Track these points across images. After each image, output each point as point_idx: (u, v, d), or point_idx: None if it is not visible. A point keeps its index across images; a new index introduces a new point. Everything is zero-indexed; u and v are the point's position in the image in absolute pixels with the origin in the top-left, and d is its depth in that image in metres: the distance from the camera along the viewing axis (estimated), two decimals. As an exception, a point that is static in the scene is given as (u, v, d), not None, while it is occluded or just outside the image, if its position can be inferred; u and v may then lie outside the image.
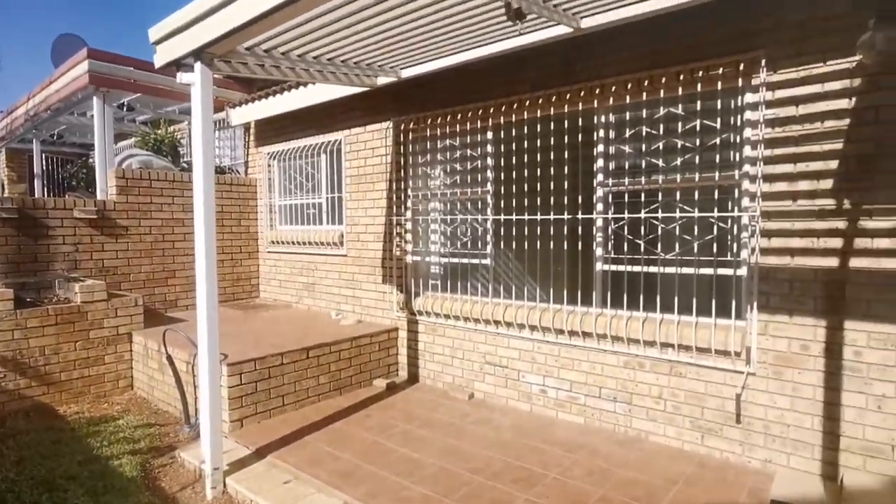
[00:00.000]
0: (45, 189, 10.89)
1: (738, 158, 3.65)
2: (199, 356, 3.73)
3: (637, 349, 4.01)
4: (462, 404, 4.83)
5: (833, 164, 3.25)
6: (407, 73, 4.81)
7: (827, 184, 3.27)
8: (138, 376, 5.47)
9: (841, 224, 3.23)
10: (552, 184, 4.44)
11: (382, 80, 4.96)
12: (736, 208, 3.67)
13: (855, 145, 3.18)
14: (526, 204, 4.63)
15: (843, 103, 3.21)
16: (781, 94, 3.40)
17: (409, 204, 5.55)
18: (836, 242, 3.24)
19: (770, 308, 3.47)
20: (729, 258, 3.72)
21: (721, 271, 3.73)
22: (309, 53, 4.02)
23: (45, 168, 10.95)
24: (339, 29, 3.55)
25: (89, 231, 5.82)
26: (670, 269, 3.95)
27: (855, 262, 3.19)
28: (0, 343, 4.70)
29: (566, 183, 4.40)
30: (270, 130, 7.08)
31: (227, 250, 6.98)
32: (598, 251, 4.31)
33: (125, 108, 7.96)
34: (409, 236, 5.56)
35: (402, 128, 5.49)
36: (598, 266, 4.31)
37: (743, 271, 3.61)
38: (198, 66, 3.45)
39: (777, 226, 3.43)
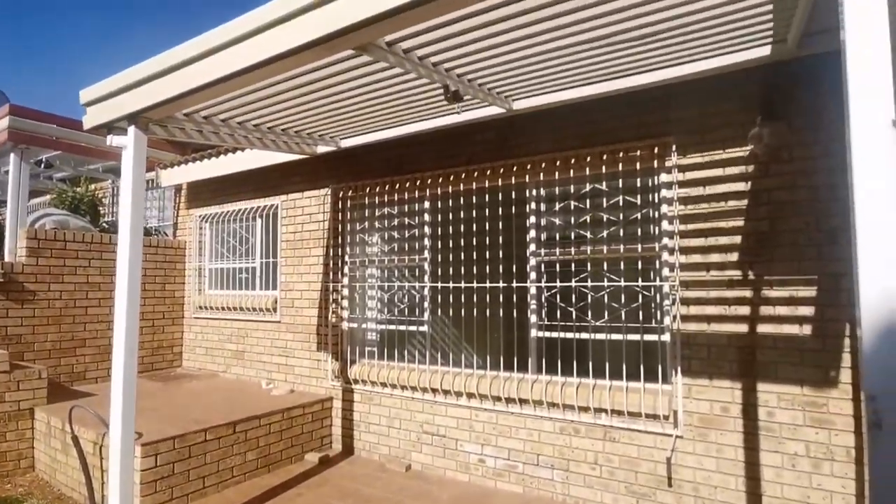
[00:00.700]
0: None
1: (657, 232, 3.96)
2: (111, 435, 3.41)
3: (572, 415, 4.08)
4: (399, 477, 4.65)
5: (737, 239, 3.60)
6: (347, 143, 4.93)
7: (734, 257, 3.61)
8: (40, 457, 4.89)
9: (748, 293, 3.54)
10: (488, 253, 4.59)
11: (322, 149, 5.05)
12: (658, 278, 3.93)
13: (753, 223, 3.55)
14: (463, 272, 4.73)
15: (741, 186, 3.60)
16: (691, 175, 3.77)
17: (346, 270, 5.52)
18: (745, 310, 3.54)
19: (692, 372, 3.68)
20: (654, 325, 3.94)
21: (647, 337, 3.94)
22: (249, 121, 4.05)
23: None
24: (280, 101, 3.62)
25: (-9, 296, 5.33)
26: (601, 336, 4.12)
27: (761, 328, 3.48)
28: None
29: (501, 252, 4.56)
30: (204, 192, 6.91)
31: (148, 316, 6.56)
32: (533, 318, 4.44)
33: (42, 165, 7.54)
34: (345, 303, 5.50)
35: (340, 195, 5.55)
36: (533, 333, 4.43)
37: (667, 337, 3.83)
38: (132, 129, 3.39)
39: (694, 294, 3.71)
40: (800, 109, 3.40)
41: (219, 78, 2.81)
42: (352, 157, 5.30)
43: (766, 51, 3.19)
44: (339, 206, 5.55)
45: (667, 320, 3.85)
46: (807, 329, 3.35)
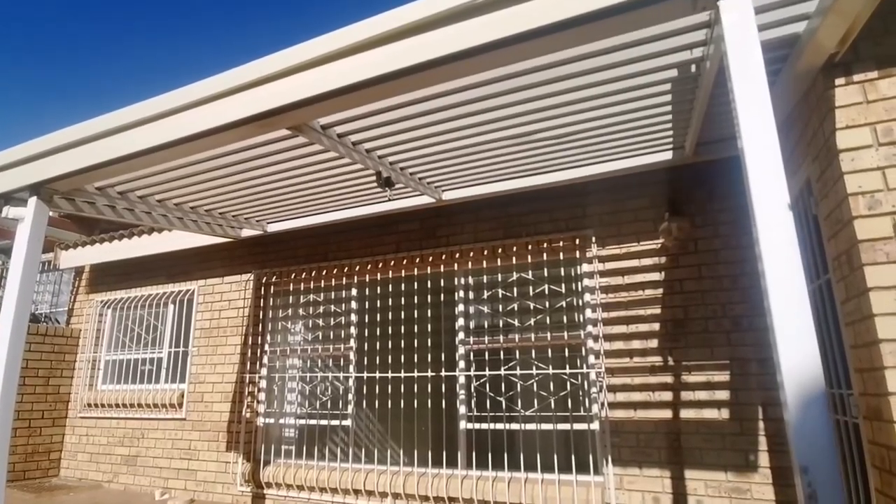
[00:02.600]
0: None
1: (582, 319, 4.07)
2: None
3: (504, 514, 3.85)
4: None
5: (656, 326, 3.77)
6: (274, 228, 4.82)
7: (654, 343, 3.74)
8: None
9: (669, 378, 3.65)
10: (416, 341, 4.49)
11: (247, 233, 4.90)
12: (584, 365, 3.98)
13: (669, 310, 3.75)
14: (390, 361, 4.57)
15: (656, 276, 3.83)
16: (610, 265, 3.98)
17: (265, 360, 5.16)
18: (668, 395, 3.62)
19: (623, 461, 3.64)
20: (583, 413, 3.92)
21: (577, 426, 3.89)
22: (170, 200, 3.88)
23: None
24: (205, 181, 3.53)
25: None
26: (531, 426, 4.04)
27: (684, 413, 3.55)
28: None
29: (430, 340, 4.48)
30: (110, 276, 6.39)
31: (24, 416, 5.70)
32: (462, 409, 4.30)
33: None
34: (262, 396, 5.08)
35: (263, 281, 5.32)
36: (463, 424, 4.26)
37: (596, 425, 3.81)
38: (33, 200, 3.11)
39: (620, 381, 3.77)
40: (700, 207, 3.75)
41: (140, 150, 2.70)
42: (278, 241, 5.17)
43: (668, 155, 3.56)
44: (262, 291, 5.31)
45: (595, 408, 3.84)
46: (724, 413, 3.47)
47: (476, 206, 4.32)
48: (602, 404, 3.78)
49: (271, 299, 5.30)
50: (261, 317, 5.25)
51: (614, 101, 2.73)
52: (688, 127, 3.15)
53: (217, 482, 5.02)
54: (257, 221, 4.70)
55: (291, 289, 5.16)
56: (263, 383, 5.11)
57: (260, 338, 5.20)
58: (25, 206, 3.13)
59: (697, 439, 3.50)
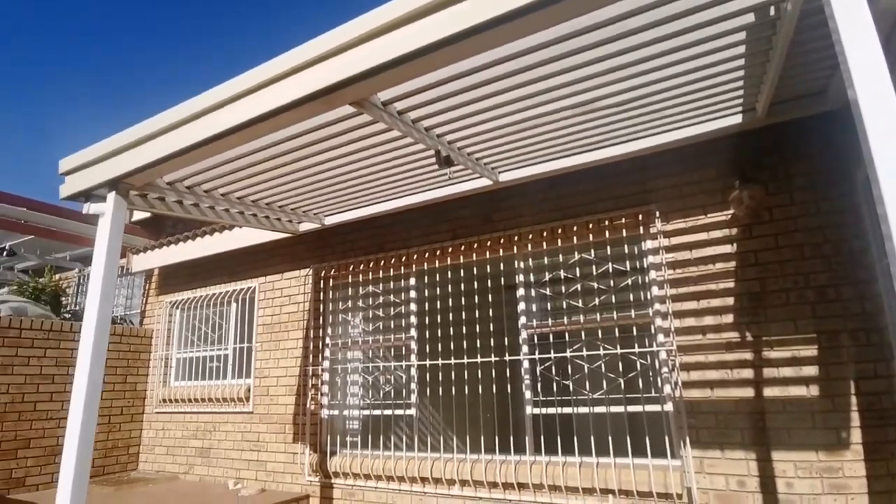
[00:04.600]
0: None
1: (649, 297, 3.92)
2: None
3: (576, 498, 3.74)
4: (383, 587, 4.09)
5: (730, 301, 3.57)
6: (330, 221, 4.90)
7: (729, 318, 3.55)
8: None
9: (748, 355, 3.45)
10: (477, 327, 4.44)
11: (305, 227, 4.99)
12: (654, 344, 3.83)
13: (744, 284, 3.55)
14: (452, 348, 4.53)
15: (727, 248, 3.64)
16: (676, 240, 3.81)
17: (326, 353, 5.24)
18: (748, 373, 3.43)
19: (702, 443, 3.47)
20: (654, 394, 3.77)
21: (649, 408, 3.74)
22: (233, 193, 4.00)
23: None
24: (265, 170, 3.61)
25: (-72, 390, 4.81)
26: (600, 409, 3.91)
27: (768, 392, 3.35)
28: None
29: (491, 326, 4.42)
30: (177, 277, 6.67)
31: (104, 412, 6.01)
32: (527, 394, 4.21)
33: (5, 254, 7.23)
34: (325, 388, 5.15)
35: (322, 274, 5.41)
36: (528, 409, 4.17)
37: (669, 406, 3.65)
38: (111, 195, 3.27)
39: (693, 359, 3.60)
40: (773, 173, 3.54)
41: (210, 136, 2.78)
42: (335, 235, 5.24)
43: (737, 119, 3.39)
44: (321, 286, 5.39)
45: (667, 388, 3.68)
46: (814, 390, 3.24)
47: (532, 187, 4.24)
48: (675, 384, 3.61)
49: (330, 293, 5.37)
50: (321, 310, 5.34)
51: (681, 59, 2.61)
52: (761, 84, 2.98)
53: (286, 472, 5.12)
54: (315, 214, 4.78)
55: (350, 281, 5.21)
56: (326, 376, 5.18)
57: (321, 331, 5.28)
58: (105, 201, 3.29)
59: (785, 418, 3.28)
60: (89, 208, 3.34)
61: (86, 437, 3.03)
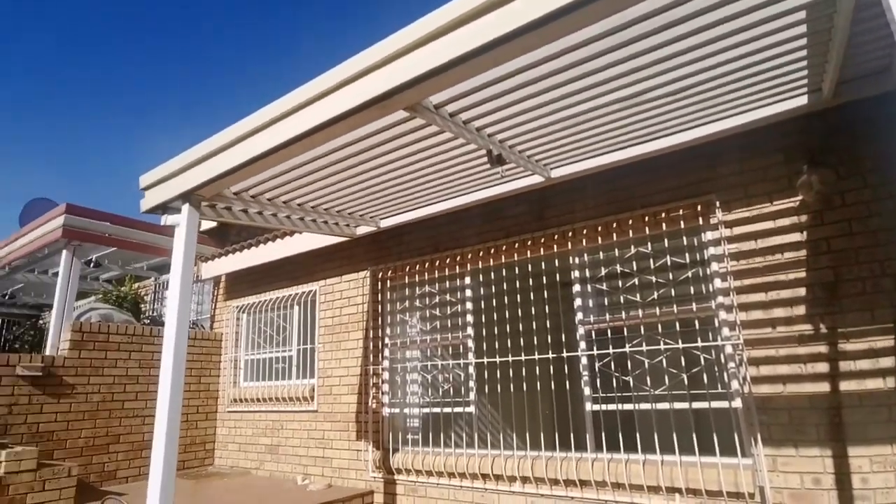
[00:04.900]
0: (-16, 353, 10.07)
1: (711, 290, 3.80)
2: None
3: (641, 496, 3.68)
4: (448, 582, 4.16)
5: (801, 292, 3.42)
6: (386, 223, 5.03)
7: (800, 310, 3.40)
8: (58, 567, 4.56)
9: (822, 348, 3.29)
10: (534, 324, 4.44)
11: (362, 230, 5.15)
12: (718, 338, 3.71)
13: (815, 273, 3.39)
14: (508, 346, 4.56)
15: (796, 236, 3.48)
16: (739, 230, 3.68)
17: (386, 353, 5.38)
18: (823, 367, 3.27)
19: (774, 441, 3.33)
20: (720, 390, 3.65)
21: (716, 404, 3.63)
22: (293, 200, 4.18)
23: (-11, 330, 10.29)
24: (323, 177, 3.75)
25: (29, 390, 5.29)
26: (663, 406, 3.83)
27: (844, 385, 3.18)
28: None
29: (548, 322, 4.41)
30: (242, 283, 7.02)
31: (183, 411, 6.35)
32: (587, 390, 4.18)
33: (91, 265, 7.84)
34: (385, 387, 5.29)
35: (379, 276, 5.56)
36: (588, 406, 4.14)
37: (738, 403, 3.53)
38: (185, 207, 3.51)
39: (762, 353, 3.46)
40: (843, 156, 3.36)
41: (272, 147, 2.94)
42: (391, 237, 5.37)
43: (802, 101, 3.24)
44: (379, 287, 5.54)
45: (735, 384, 3.56)
46: (891, 382, 3.06)
47: (585, 182, 4.20)
48: (743, 379, 3.49)
49: (388, 293, 5.51)
50: (379, 311, 5.48)
51: (738, 42, 2.53)
52: (825, 63, 2.85)
53: (350, 469, 5.29)
54: (371, 218, 4.93)
55: (406, 282, 5.33)
56: (386, 375, 5.32)
57: (380, 331, 5.43)
58: (180, 213, 3.54)
59: (861, 413, 3.11)
60: (166, 220, 3.60)
61: (171, 434, 3.28)
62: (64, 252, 6.55)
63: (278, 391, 6.13)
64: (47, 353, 5.99)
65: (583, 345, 4.25)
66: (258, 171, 3.30)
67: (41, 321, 9.77)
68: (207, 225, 7.71)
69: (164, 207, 3.63)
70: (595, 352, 4.17)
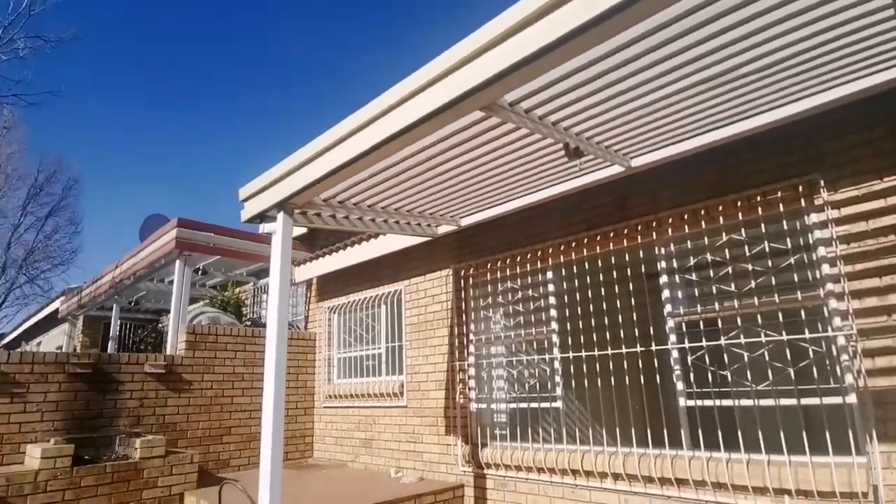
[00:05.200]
0: (118, 352, 11.37)
1: (818, 277, 3.53)
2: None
3: (745, 498, 3.49)
4: (542, 576, 4.17)
5: (924, 276, 3.09)
6: (466, 221, 5.11)
7: (924, 296, 3.08)
8: (184, 545, 5.07)
9: (953, 338, 2.96)
10: (619, 317, 4.34)
11: (443, 229, 5.27)
12: (829, 328, 3.43)
13: (942, 255, 3.05)
14: (594, 340, 4.48)
15: (915, 215, 3.15)
16: (848, 211, 3.39)
17: (471, 349, 5.46)
18: (954, 358, 2.94)
19: (890, 437, 3.05)
20: (833, 384, 3.38)
21: (827, 400, 3.37)
22: (377, 204, 4.37)
23: (119, 333, 11.59)
24: (404, 180, 3.90)
25: (155, 386, 5.92)
26: (767, 402, 3.61)
27: (984, 379, 2.85)
28: (48, 507, 4.52)
29: (635, 315, 4.29)
30: (332, 285, 7.41)
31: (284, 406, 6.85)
32: (679, 385, 4.02)
33: (199, 273, 8.61)
34: (472, 382, 5.38)
35: (461, 274, 5.66)
36: (682, 402, 3.98)
37: (852, 398, 3.26)
38: (280, 215, 3.79)
39: (879, 344, 3.17)
40: (974, 122, 3.00)
41: (356, 155, 3.11)
42: (471, 235, 5.45)
43: (917, 65, 2.93)
44: (461, 284, 5.64)
45: (848, 378, 3.29)
46: None
47: (668, 169, 4.03)
48: (858, 372, 3.21)
49: (471, 290, 5.60)
50: (462, 308, 5.58)
51: (839, 7, 2.34)
52: (944, 21, 2.56)
53: (441, 462, 5.43)
54: (451, 217, 5.03)
55: (488, 279, 5.39)
56: (472, 371, 5.41)
57: (464, 328, 5.52)
58: (275, 221, 3.82)
59: None
60: (263, 228, 3.90)
61: (277, 427, 3.55)
62: (177, 262, 7.26)
63: (369, 388, 6.41)
64: (168, 352, 6.66)
65: (673, 338, 4.10)
66: (343, 178, 3.49)
67: (160, 325, 10.84)
68: (298, 231, 8.20)
69: (262, 216, 3.94)
70: (687, 345, 4.00)
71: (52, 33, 17.33)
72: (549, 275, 4.99)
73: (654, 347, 4.10)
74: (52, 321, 15.14)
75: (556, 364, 4.81)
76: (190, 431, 6.10)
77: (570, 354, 4.65)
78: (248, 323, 8.15)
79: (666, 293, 4.20)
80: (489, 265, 5.37)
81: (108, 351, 11.25)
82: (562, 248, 4.81)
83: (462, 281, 5.64)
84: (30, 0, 16.11)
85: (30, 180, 24.21)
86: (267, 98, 54.91)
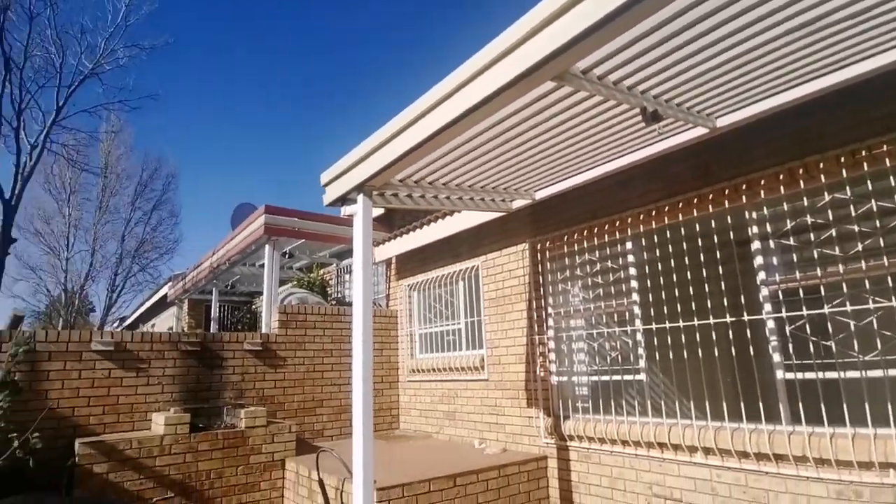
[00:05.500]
0: (220, 331, 12.40)
1: (937, 236, 3.19)
2: (354, 481, 3.71)
3: (849, 473, 3.28)
4: (630, 547, 4.16)
5: None
6: (541, 195, 5.05)
7: None
8: (288, 506, 5.52)
9: None
10: (706, 287, 4.15)
11: (518, 204, 5.24)
12: (950, 292, 3.11)
13: None
14: (679, 311, 4.32)
15: None
16: (975, 161, 3.02)
17: (550, 322, 5.45)
18: None
19: None
20: (955, 353, 3.07)
21: (948, 370, 3.07)
22: (452, 181, 4.42)
23: (219, 314, 12.63)
24: (478, 156, 3.91)
25: (254, 362, 6.41)
26: (875, 373, 3.34)
27: None
28: (173, 466, 5.07)
29: (723, 284, 4.09)
30: (410, 263, 7.61)
31: (370, 380, 7.20)
32: (776, 357, 3.81)
33: (286, 256, 9.14)
34: (552, 356, 5.38)
35: (538, 248, 5.62)
36: (780, 374, 3.77)
37: (980, 368, 2.94)
38: (360, 198, 3.94)
39: None
40: None
41: (429, 135, 3.17)
42: (546, 208, 5.39)
43: None
44: (538, 258, 5.61)
45: (976, 346, 2.97)
46: None
47: (757, 127, 3.76)
48: None
49: (548, 264, 5.55)
50: (540, 282, 5.56)
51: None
52: None
53: (523, 434, 5.51)
54: (525, 191, 4.99)
55: (565, 251, 5.32)
56: (552, 344, 5.40)
57: (542, 301, 5.51)
58: (356, 203, 3.99)
59: None
60: (345, 210, 4.08)
61: (367, 399, 3.77)
62: (266, 246, 7.75)
63: (450, 362, 6.57)
64: (263, 331, 7.18)
65: (768, 307, 3.87)
66: (418, 158, 3.57)
67: (254, 306, 11.64)
68: (376, 212, 8.46)
69: (343, 199, 4.12)
70: (784, 314, 3.77)
71: (147, 41, 18.72)
72: (629, 245, 4.85)
73: (746, 317, 3.90)
74: (162, 305, 16.71)
75: (639, 336, 4.70)
76: (286, 404, 6.57)
77: (654, 326, 4.52)
78: (334, 302, 8.57)
79: (759, 260, 3.96)
80: (566, 238, 5.30)
81: (211, 331, 12.27)
82: (641, 217, 4.64)
83: (538, 255, 5.61)
84: (125, 12, 17.44)
85: (136, 178, 26.52)
86: (347, 80, 56.20)
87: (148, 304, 18.56)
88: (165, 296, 15.14)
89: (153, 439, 5.05)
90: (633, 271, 4.80)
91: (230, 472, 5.34)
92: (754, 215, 4.01)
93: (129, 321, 23.16)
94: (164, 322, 16.85)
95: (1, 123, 15.37)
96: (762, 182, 3.89)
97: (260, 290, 9.88)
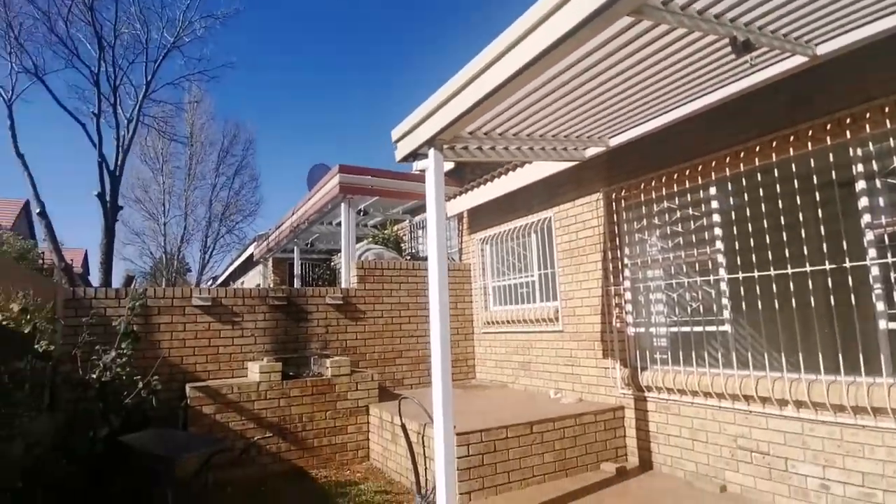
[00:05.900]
0: (303, 286, 13.14)
1: None
2: (435, 426, 3.88)
3: (966, 430, 3.04)
4: (712, 498, 4.13)
5: None
6: (615, 141, 4.84)
7: None
8: (374, 447, 5.89)
9: None
10: (802, 232, 3.87)
11: (591, 152, 5.07)
12: None
13: None
14: (770, 258, 4.07)
15: None
16: None
17: (626, 273, 5.31)
18: None
19: None
20: None
21: None
22: (522, 132, 4.32)
23: (301, 271, 13.33)
24: (548, 104, 3.78)
25: (336, 315, 6.76)
26: None
27: None
28: (269, 409, 5.53)
29: (822, 229, 3.79)
30: (482, 217, 7.61)
31: (445, 332, 7.41)
32: (879, 305, 3.52)
33: (361, 214, 9.42)
34: (628, 307, 5.27)
35: (612, 197, 5.43)
36: (883, 324, 3.50)
37: None
38: (431, 152, 3.96)
39: None
40: None
41: (499, 84, 3.08)
42: (621, 155, 5.16)
43: None
44: (613, 208, 5.44)
45: None
46: None
47: (866, 54, 3.35)
48: None
49: (623, 213, 5.37)
50: (616, 232, 5.40)
51: None
52: None
53: (599, 385, 5.50)
54: (599, 138, 4.80)
55: (642, 199, 5.11)
56: (628, 295, 5.28)
57: (618, 252, 5.36)
58: (427, 158, 4.01)
59: None
60: (417, 166, 4.12)
61: (445, 349, 3.88)
62: (342, 205, 8.01)
63: (524, 314, 6.61)
64: (342, 286, 7.51)
65: (872, 252, 3.56)
66: (488, 109, 3.51)
67: (333, 263, 12.17)
68: (447, 166, 8.44)
69: (414, 155, 4.15)
70: (891, 259, 3.45)
71: (220, 10, 19.31)
72: (713, 191, 4.58)
73: (847, 264, 3.61)
74: (249, 264, 17.84)
75: (723, 286, 4.49)
76: (367, 354, 6.92)
77: (740, 275, 4.28)
78: (408, 257, 8.78)
79: (864, 201, 3.62)
80: (643, 185, 5.07)
81: (295, 286, 13.01)
82: (727, 159, 4.34)
83: (613, 204, 5.43)
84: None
85: (218, 145, 28.01)
86: (419, 36, 55.42)
87: (237, 263, 19.89)
88: (252, 255, 16.14)
89: (251, 385, 5.52)
90: (717, 218, 4.55)
91: (320, 416, 5.76)
92: (860, 152, 3.65)
93: (220, 279, 25.02)
94: (252, 280, 18.04)
95: (101, 100, 16.63)
96: (867, 115, 3.51)
97: (337, 247, 10.28)
